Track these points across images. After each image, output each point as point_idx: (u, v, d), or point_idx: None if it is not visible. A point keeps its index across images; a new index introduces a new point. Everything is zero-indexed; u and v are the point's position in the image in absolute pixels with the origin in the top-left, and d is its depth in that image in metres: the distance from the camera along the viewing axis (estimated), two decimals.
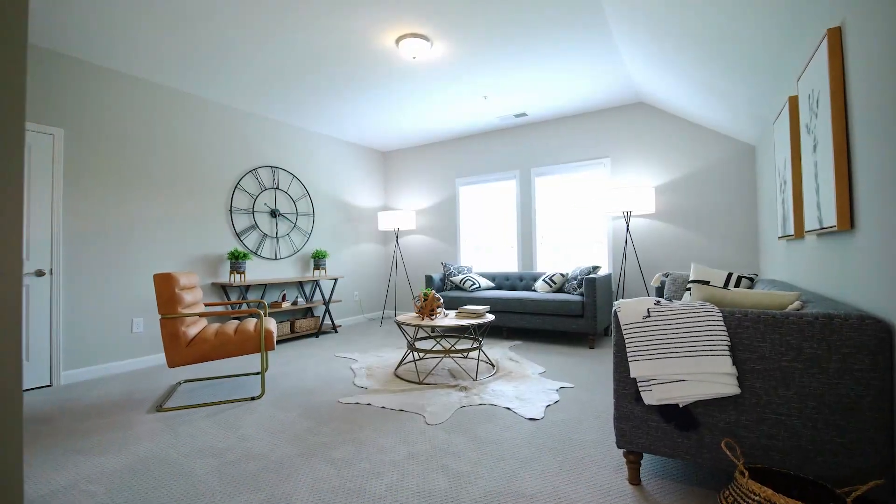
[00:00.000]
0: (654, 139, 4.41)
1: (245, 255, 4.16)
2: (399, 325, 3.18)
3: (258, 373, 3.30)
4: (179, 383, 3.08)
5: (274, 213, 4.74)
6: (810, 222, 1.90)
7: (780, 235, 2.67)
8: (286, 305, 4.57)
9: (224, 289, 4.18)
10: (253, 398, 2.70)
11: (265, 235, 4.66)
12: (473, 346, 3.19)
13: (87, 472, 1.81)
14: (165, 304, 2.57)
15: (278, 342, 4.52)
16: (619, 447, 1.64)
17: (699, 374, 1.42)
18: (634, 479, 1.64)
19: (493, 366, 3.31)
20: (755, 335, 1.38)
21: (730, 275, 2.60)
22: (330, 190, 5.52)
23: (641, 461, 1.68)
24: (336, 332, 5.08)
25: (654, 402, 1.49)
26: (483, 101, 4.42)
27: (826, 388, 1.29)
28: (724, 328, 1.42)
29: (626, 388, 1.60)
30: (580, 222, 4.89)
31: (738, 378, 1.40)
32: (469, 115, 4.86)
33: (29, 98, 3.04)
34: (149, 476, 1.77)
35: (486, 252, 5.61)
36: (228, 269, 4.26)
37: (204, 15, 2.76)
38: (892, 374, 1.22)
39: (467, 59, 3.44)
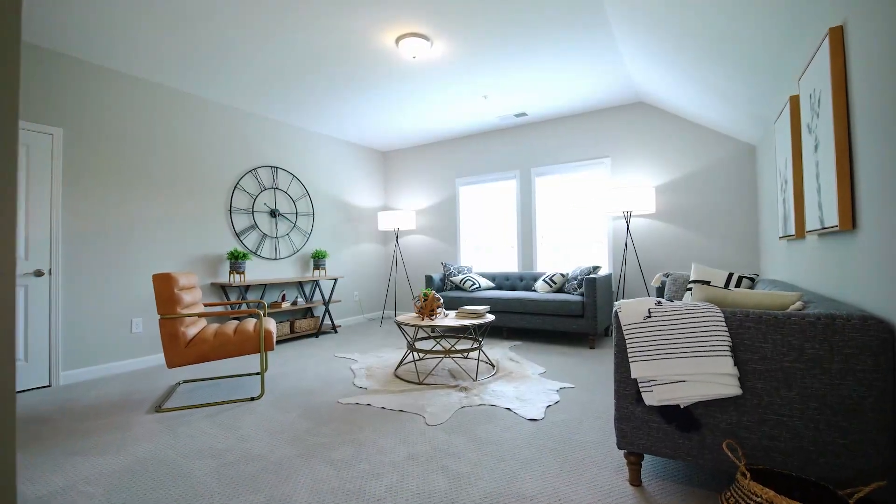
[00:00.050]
0: (654, 139, 4.41)
1: (245, 255, 4.15)
2: (399, 325, 3.17)
3: (258, 373, 3.30)
4: (179, 384, 3.07)
5: (274, 213, 4.74)
6: (812, 222, 1.89)
7: (780, 235, 2.66)
8: (286, 305, 4.57)
9: (224, 289, 4.18)
10: (252, 399, 2.69)
11: (265, 235, 4.65)
12: (473, 346, 3.19)
13: (85, 474, 1.80)
14: (164, 304, 2.56)
15: (278, 342, 4.51)
16: (619, 448, 1.63)
17: (700, 374, 1.41)
18: (635, 481, 1.63)
19: (493, 366, 3.30)
20: (757, 336, 1.37)
21: (730, 275, 2.59)
22: (330, 190, 5.51)
23: (642, 462, 1.67)
24: (336, 332, 5.07)
25: (655, 403, 1.48)
26: (483, 101, 4.42)
27: (828, 388, 1.28)
28: (726, 329, 1.41)
29: (626, 389, 1.59)
30: (580, 222, 4.88)
31: (739, 379, 1.39)
32: (469, 115, 4.86)
33: (28, 98, 3.04)
34: (147, 477, 1.76)
35: (486, 252, 5.60)
36: (228, 269, 4.25)
37: (204, 15, 2.76)
38: (894, 375, 1.22)
39: (467, 58, 3.44)
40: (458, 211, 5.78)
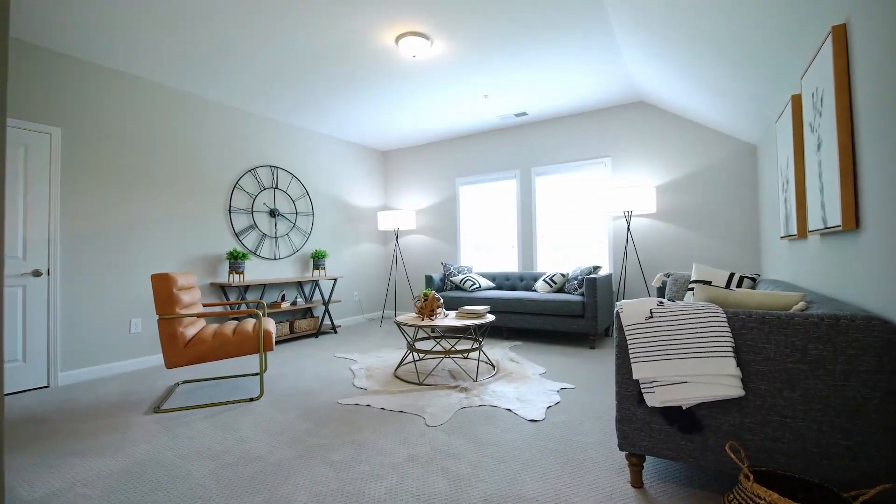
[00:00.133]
0: (655, 138, 4.40)
1: (244, 255, 4.14)
2: (399, 325, 3.16)
3: (257, 374, 3.28)
4: (178, 384, 3.06)
5: (273, 213, 4.72)
6: (814, 222, 1.88)
7: (782, 235, 2.65)
8: (285, 306, 4.55)
9: (223, 289, 4.17)
10: (251, 399, 2.68)
11: (264, 235, 4.64)
12: (473, 346, 3.18)
13: (83, 475, 1.79)
14: (163, 304, 2.55)
15: (277, 342, 4.50)
16: (621, 449, 1.62)
17: (703, 375, 1.40)
18: (637, 482, 1.62)
19: (493, 366, 3.29)
20: (760, 336, 1.36)
21: (732, 275, 2.58)
22: (329, 190, 5.50)
23: (644, 464, 1.66)
24: (335, 332, 5.06)
25: (657, 404, 1.47)
26: (483, 101, 4.41)
27: (832, 390, 1.27)
28: (729, 329, 1.40)
29: (628, 390, 1.58)
30: (581, 222, 4.87)
31: (742, 380, 1.38)
32: (469, 115, 4.85)
33: (26, 97, 3.03)
34: (145, 479, 1.75)
35: (486, 252, 5.59)
36: (227, 269, 4.24)
37: (204, 15, 2.75)
38: None
39: (467, 57, 3.42)
40: (458, 211, 5.77)
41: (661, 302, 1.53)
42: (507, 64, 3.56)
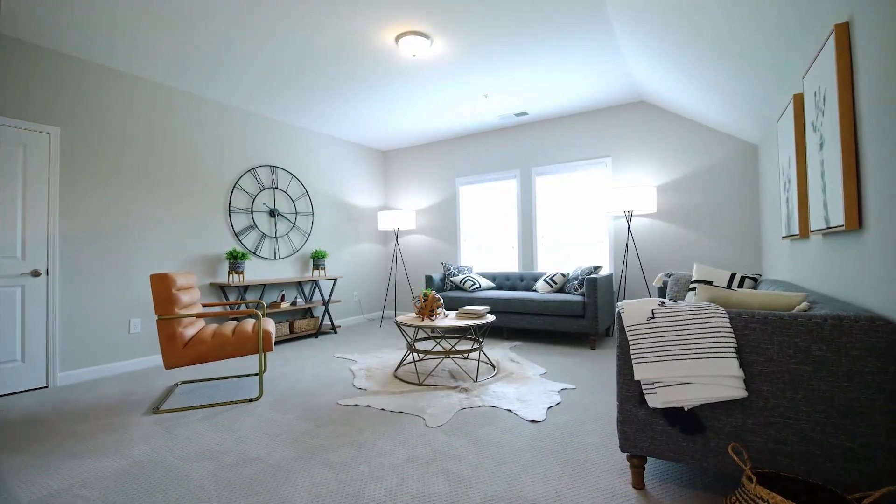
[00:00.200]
0: (655, 138, 4.39)
1: (243, 255, 4.13)
2: (399, 325, 3.15)
3: (256, 374, 3.27)
4: (177, 384, 3.05)
5: (273, 213, 4.72)
6: (816, 222, 1.87)
7: (783, 235, 2.64)
8: (285, 306, 4.54)
9: (222, 289, 4.16)
10: (251, 400, 2.67)
11: (264, 235, 4.63)
12: (474, 346, 3.16)
13: (81, 476, 1.78)
14: (162, 304, 2.54)
15: (277, 343, 4.49)
16: (622, 451, 1.61)
17: (705, 376, 1.39)
18: (638, 484, 1.61)
19: (493, 367, 3.28)
20: (762, 337, 1.35)
21: (733, 275, 2.57)
22: (329, 189, 5.49)
23: (645, 465, 1.65)
24: (335, 332, 5.05)
25: (659, 406, 1.46)
26: (483, 100, 4.40)
27: (835, 391, 1.26)
28: (731, 330, 1.39)
29: (629, 391, 1.57)
30: (581, 222, 4.86)
31: (744, 381, 1.37)
32: (469, 114, 4.84)
33: (25, 97, 3.02)
34: (144, 480, 1.74)
35: (486, 252, 5.58)
36: (227, 269, 4.23)
37: (204, 15, 2.74)
38: None
39: (467, 57, 3.41)
40: (459, 211, 5.76)
41: (662, 302, 1.52)
42: (507, 63, 3.55)
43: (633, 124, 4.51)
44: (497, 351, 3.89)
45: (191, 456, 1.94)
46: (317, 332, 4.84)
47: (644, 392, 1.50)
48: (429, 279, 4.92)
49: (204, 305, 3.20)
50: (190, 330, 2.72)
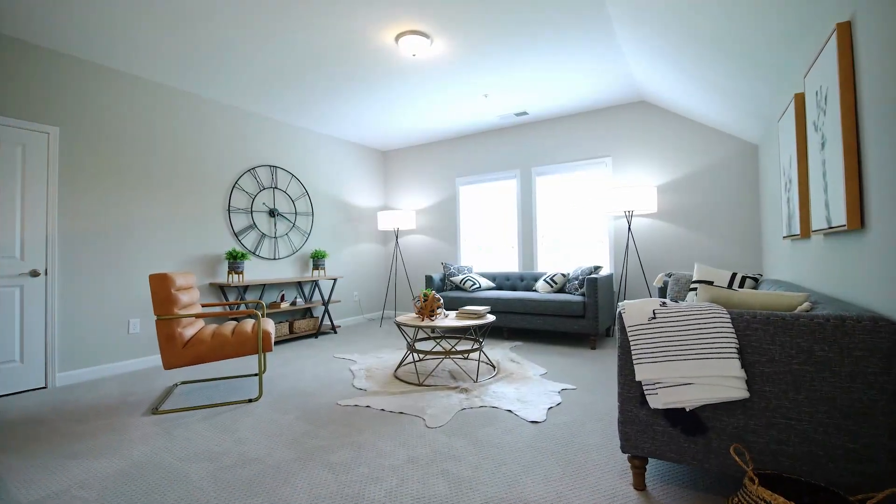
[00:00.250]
0: (655, 138, 4.38)
1: (243, 255, 4.13)
2: (399, 325, 3.15)
3: (256, 374, 3.27)
4: (176, 385, 3.04)
5: (272, 213, 4.71)
6: (817, 222, 1.86)
7: (784, 235, 2.63)
8: (285, 306, 4.54)
9: (222, 289, 4.15)
10: (250, 400, 2.66)
11: (263, 235, 4.62)
12: (474, 347, 3.16)
13: (80, 477, 1.77)
14: (161, 304, 2.53)
15: (277, 343, 4.49)
16: (623, 452, 1.60)
17: (707, 377, 1.38)
18: (639, 485, 1.61)
19: (493, 367, 3.27)
20: (764, 337, 1.35)
21: (734, 275, 2.56)
22: (329, 189, 5.48)
23: (647, 466, 1.64)
24: (335, 332, 5.04)
25: (660, 406, 1.45)
26: (483, 100, 4.39)
27: (838, 391, 1.26)
28: (733, 330, 1.38)
29: (630, 392, 1.56)
30: (581, 222, 4.85)
31: (746, 381, 1.36)
32: (469, 114, 4.83)
33: (24, 97, 3.01)
34: (143, 481, 1.73)
35: (486, 252, 5.57)
36: (226, 269, 4.22)
37: (204, 15, 2.73)
38: None
39: (467, 56, 3.41)
40: (459, 211, 5.75)
41: (664, 302, 1.51)
42: (507, 63, 3.54)
43: (633, 124, 4.50)
44: (497, 351, 3.88)
45: (190, 457, 1.94)
46: (316, 333, 4.84)
47: (645, 393, 1.50)
48: (429, 279, 4.92)
49: (203, 305, 3.19)
50: (189, 330, 2.71)
